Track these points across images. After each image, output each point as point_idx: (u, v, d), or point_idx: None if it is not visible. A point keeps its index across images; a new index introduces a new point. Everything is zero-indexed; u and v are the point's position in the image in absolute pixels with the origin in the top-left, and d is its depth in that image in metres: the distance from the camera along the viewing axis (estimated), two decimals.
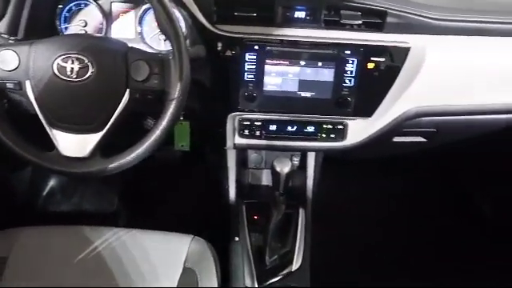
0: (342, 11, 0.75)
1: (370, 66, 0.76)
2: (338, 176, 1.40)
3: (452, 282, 1.19)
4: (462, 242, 1.33)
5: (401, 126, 0.86)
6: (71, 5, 0.84)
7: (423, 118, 0.86)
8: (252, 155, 0.98)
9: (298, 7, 0.75)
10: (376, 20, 0.75)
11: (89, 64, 0.63)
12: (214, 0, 0.72)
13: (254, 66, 0.76)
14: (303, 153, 0.97)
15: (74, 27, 0.85)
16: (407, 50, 0.75)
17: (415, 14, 0.75)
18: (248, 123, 0.84)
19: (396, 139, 0.95)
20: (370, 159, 1.18)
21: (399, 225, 1.36)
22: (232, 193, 0.95)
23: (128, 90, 0.64)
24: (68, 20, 0.85)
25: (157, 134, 0.64)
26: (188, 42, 0.75)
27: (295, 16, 0.76)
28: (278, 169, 0.78)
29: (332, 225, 1.23)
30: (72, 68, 0.62)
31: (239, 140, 0.85)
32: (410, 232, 1.35)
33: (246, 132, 0.85)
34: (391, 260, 1.26)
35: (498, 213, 1.36)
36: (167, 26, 0.62)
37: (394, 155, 1.11)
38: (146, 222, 0.88)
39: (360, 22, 0.75)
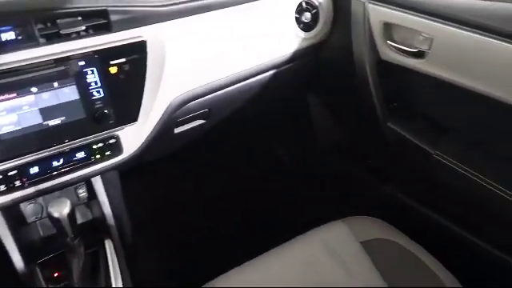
0: (58, 21, 0.66)
1: (113, 70, 0.70)
2: (147, 180, 1.35)
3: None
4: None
5: (173, 117, 0.85)
6: None
7: (191, 103, 0.86)
8: (27, 207, 0.83)
9: (2, 28, 0.63)
10: (100, 21, 0.69)
11: None
12: None
13: None
14: (87, 181, 0.87)
15: None
16: (144, 43, 0.72)
17: (137, 6, 0.72)
18: (0, 177, 0.69)
19: (177, 130, 0.94)
20: (166, 156, 1.15)
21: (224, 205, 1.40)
22: (17, 258, 0.79)
23: None
24: None
25: None
26: None
27: (3, 40, 0.63)
28: (55, 214, 0.67)
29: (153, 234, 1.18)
30: None
31: None
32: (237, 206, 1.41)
33: (2, 187, 0.70)
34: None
35: (294, 158, 1.53)
36: None
37: (190, 142, 1.11)
38: None
39: (83, 27, 0.68)
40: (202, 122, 0.97)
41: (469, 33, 0.74)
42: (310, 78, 1.17)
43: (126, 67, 0.71)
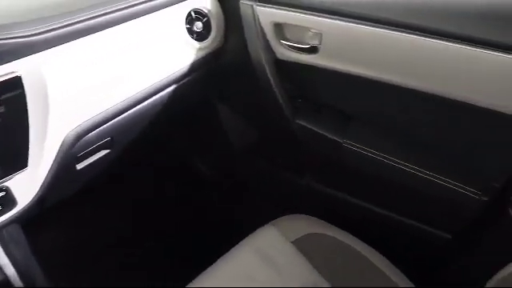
0: None
1: None
2: (57, 225, 1.23)
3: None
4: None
5: (71, 154, 0.77)
6: None
7: (89, 135, 0.79)
8: None
9: None
10: None
11: None
12: None
13: None
14: None
15: None
16: (18, 79, 0.63)
17: (6, 38, 0.63)
18: None
19: (80, 166, 0.85)
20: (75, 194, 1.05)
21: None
22: None
23: None
24: None
25: None
26: None
27: None
28: None
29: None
30: None
31: None
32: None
33: None
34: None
35: (212, 167, 1.50)
36: None
37: (98, 175, 1.02)
38: None
39: None
40: (106, 151, 0.90)
41: (355, 24, 0.77)
42: (213, 86, 1.15)
43: (3, 108, 0.62)
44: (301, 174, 1.18)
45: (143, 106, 0.89)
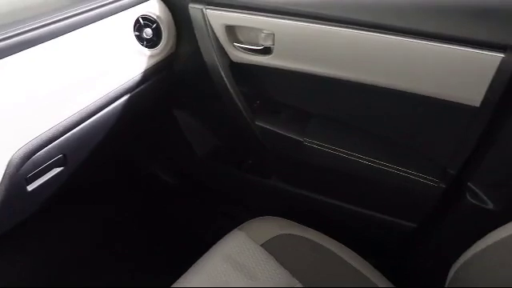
0: None
1: None
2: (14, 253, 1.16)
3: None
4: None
5: (20, 174, 0.72)
6: None
7: (39, 153, 0.75)
8: None
9: None
10: None
11: None
12: None
13: None
14: None
15: None
16: None
17: None
18: None
19: (31, 187, 0.80)
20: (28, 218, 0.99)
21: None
22: None
23: None
24: None
25: None
26: None
27: None
28: None
29: None
30: None
31: None
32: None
33: None
34: None
35: (176, 176, 1.47)
36: None
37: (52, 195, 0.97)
38: None
39: None
40: (59, 169, 0.85)
41: (305, 23, 0.77)
42: (169, 94, 1.13)
43: None
44: (266, 175, 1.17)
45: (96, 119, 0.85)
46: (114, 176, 1.41)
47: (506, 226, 0.61)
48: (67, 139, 0.80)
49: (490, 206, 0.79)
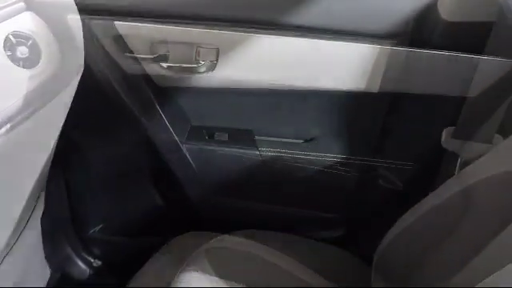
0: None
1: None
2: None
3: None
4: None
5: None
6: None
7: None
8: None
9: None
10: None
11: None
12: None
13: None
14: None
15: None
16: None
17: None
18: None
19: None
20: None
21: None
22: None
23: None
24: None
25: None
26: None
27: None
28: None
29: None
30: None
31: None
32: None
33: None
34: None
35: None
36: None
37: None
38: None
39: None
40: None
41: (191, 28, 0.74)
42: (67, 119, 0.99)
43: None
44: (196, 191, 1.10)
45: None
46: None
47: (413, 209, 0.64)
48: None
49: (401, 187, 0.82)
